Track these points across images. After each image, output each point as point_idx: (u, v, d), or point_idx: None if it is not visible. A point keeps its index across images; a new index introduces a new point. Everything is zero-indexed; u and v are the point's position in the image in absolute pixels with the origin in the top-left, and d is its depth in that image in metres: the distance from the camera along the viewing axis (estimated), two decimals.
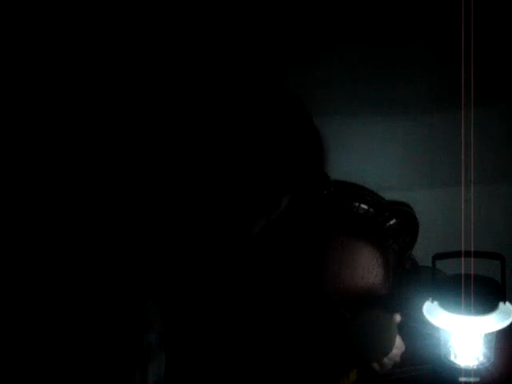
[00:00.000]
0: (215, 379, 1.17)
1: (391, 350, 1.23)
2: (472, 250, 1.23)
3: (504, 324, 1.13)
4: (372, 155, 1.62)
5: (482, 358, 1.20)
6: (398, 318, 1.26)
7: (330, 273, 1.42)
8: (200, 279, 1.19)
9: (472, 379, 1.17)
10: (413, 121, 1.60)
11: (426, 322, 1.20)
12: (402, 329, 1.35)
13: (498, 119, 1.64)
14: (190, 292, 1.19)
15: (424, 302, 1.22)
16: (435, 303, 1.19)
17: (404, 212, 1.60)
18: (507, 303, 1.17)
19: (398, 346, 1.26)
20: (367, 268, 1.46)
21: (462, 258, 1.21)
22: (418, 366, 1.29)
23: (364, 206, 1.55)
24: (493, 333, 1.17)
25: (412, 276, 1.57)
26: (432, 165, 1.64)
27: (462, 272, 1.19)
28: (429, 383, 1.25)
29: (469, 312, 1.12)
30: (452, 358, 1.21)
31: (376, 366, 1.25)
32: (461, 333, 1.18)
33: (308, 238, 1.42)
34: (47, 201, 1.43)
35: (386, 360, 1.25)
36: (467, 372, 1.18)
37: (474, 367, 1.19)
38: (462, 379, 1.17)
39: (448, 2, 1.49)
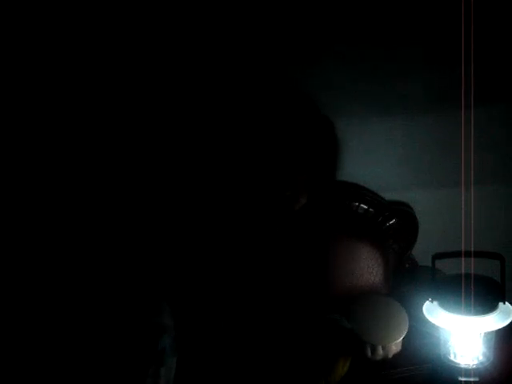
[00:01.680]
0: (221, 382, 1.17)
1: (400, 337, 1.24)
2: (472, 250, 1.23)
3: (503, 324, 1.14)
4: (372, 155, 1.62)
5: (481, 358, 1.20)
6: None
7: (330, 272, 1.42)
8: (210, 282, 1.20)
9: (471, 378, 1.18)
10: (412, 121, 1.60)
11: (425, 322, 1.20)
12: None
13: (498, 119, 1.64)
14: (200, 296, 1.20)
15: (424, 301, 1.22)
16: (435, 303, 1.19)
17: (404, 212, 1.60)
18: (507, 303, 1.17)
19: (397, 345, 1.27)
20: (367, 268, 1.46)
21: (462, 258, 1.21)
22: (417, 366, 1.29)
23: (364, 206, 1.55)
24: (492, 332, 1.17)
25: (412, 276, 1.57)
26: (432, 165, 1.64)
27: (462, 272, 1.19)
28: (429, 382, 1.25)
29: (468, 312, 1.13)
30: (452, 357, 1.21)
31: (380, 350, 1.25)
32: (460, 332, 1.18)
33: (308, 238, 1.42)
34: (56, 202, 1.43)
35: (392, 346, 1.25)
36: (467, 371, 1.18)
37: (474, 366, 1.19)
38: (462, 378, 1.18)
39: (448, 2, 1.49)
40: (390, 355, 1.26)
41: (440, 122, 1.61)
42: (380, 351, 1.24)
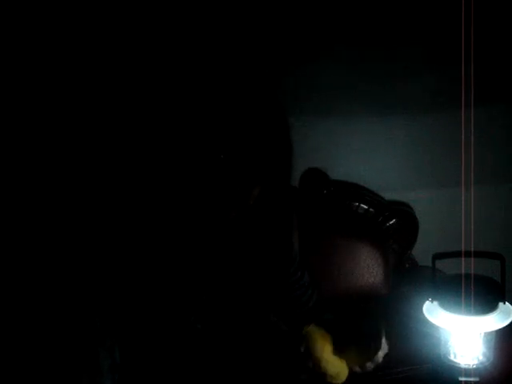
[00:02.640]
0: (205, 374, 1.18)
1: (373, 356, 1.20)
2: (472, 249, 1.23)
3: (503, 324, 1.13)
4: (372, 155, 1.62)
5: (481, 358, 1.20)
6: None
7: (330, 272, 1.42)
8: (178, 271, 1.21)
9: (472, 379, 1.17)
10: (413, 121, 1.61)
11: (425, 322, 1.20)
12: (402, 329, 1.36)
13: (498, 119, 1.64)
14: (184, 290, 1.21)
15: (424, 301, 1.22)
16: (435, 303, 1.19)
17: (404, 212, 1.60)
18: (507, 303, 1.17)
19: (382, 348, 1.24)
20: (367, 268, 1.46)
21: (462, 258, 1.21)
22: (417, 366, 1.28)
23: (364, 206, 1.55)
24: (492, 332, 1.17)
25: (412, 276, 1.57)
26: (432, 165, 1.65)
27: (462, 272, 1.19)
28: (429, 383, 1.24)
29: (468, 312, 1.13)
30: (452, 357, 1.21)
31: (357, 369, 1.23)
32: (461, 332, 1.18)
33: (308, 238, 1.42)
34: (43, 200, 1.44)
35: (368, 364, 1.22)
36: (467, 371, 1.18)
37: (474, 367, 1.19)
38: (462, 379, 1.18)
39: (448, 2, 1.49)
40: (370, 370, 1.24)
41: (440, 122, 1.61)
42: (357, 369, 1.22)
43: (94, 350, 1.08)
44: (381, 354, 1.22)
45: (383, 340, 1.21)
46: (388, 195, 1.62)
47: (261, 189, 1.21)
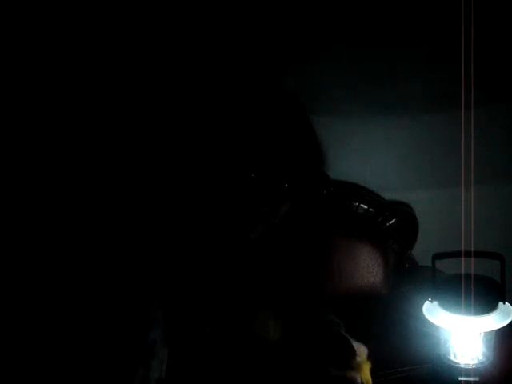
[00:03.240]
0: (214, 377, 1.18)
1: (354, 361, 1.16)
2: (472, 250, 1.23)
3: (503, 324, 1.13)
4: (372, 155, 1.62)
5: (481, 358, 1.20)
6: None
7: (330, 272, 1.42)
8: (201, 281, 1.20)
9: (471, 378, 1.17)
10: (413, 121, 1.61)
11: (425, 322, 1.20)
12: (402, 329, 1.36)
13: (498, 119, 1.64)
14: (191, 292, 1.20)
15: (424, 301, 1.22)
16: (435, 303, 1.19)
17: (404, 212, 1.60)
18: (507, 303, 1.17)
19: (362, 353, 1.18)
20: (367, 268, 1.46)
21: (462, 258, 1.21)
22: (417, 366, 1.29)
23: (364, 206, 1.55)
24: (492, 332, 1.17)
25: (412, 276, 1.57)
26: (432, 165, 1.65)
27: (462, 272, 1.19)
28: (429, 382, 1.24)
29: (468, 312, 1.13)
30: (452, 357, 1.21)
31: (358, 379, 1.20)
32: (460, 332, 1.18)
33: (308, 238, 1.42)
34: (52, 202, 1.44)
35: (352, 373, 1.16)
36: (467, 371, 1.18)
37: (474, 366, 1.19)
38: (462, 378, 1.18)
39: (448, 1, 1.49)
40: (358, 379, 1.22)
41: (440, 121, 1.61)
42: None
43: (148, 363, 1.08)
44: (363, 356, 1.19)
45: (354, 344, 1.17)
46: (388, 195, 1.62)
47: (289, 206, 1.20)
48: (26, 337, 1.21)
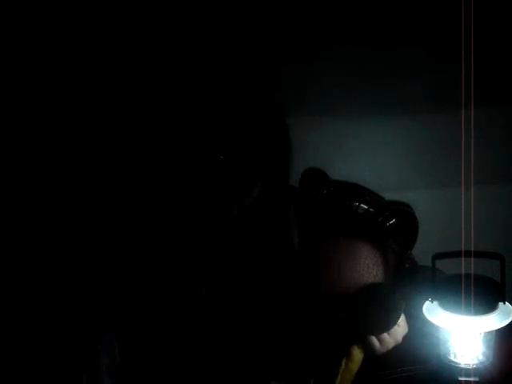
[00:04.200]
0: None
1: (391, 327, 1.24)
2: (472, 249, 1.23)
3: (503, 324, 1.13)
4: (372, 155, 1.62)
5: (481, 358, 1.20)
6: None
7: (330, 272, 1.42)
8: (180, 267, 1.22)
9: (471, 378, 1.17)
10: (413, 121, 1.61)
11: (425, 322, 1.20)
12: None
13: (498, 119, 1.64)
14: (181, 287, 1.21)
15: (424, 301, 1.22)
16: (435, 303, 1.19)
17: (404, 212, 1.60)
18: (507, 303, 1.17)
19: (401, 325, 1.27)
20: (367, 268, 1.46)
21: (462, 258, 1.21)
22: (417, 366, 1.29)
23: (364, 206, 1.55)
24: (492, 332, 1.17)
25: (412, 276, 1.57)
26: (432, 165, 1.65)
27: (462, 272, 1.19)
28: (429, 383, 1.24)
29: (468, 312, 1.13)
30: (452, 357, 1.21)
31: (376, 342, 1.25)
32: (460, 332, 1.18)
33: (308, 238, 1.42)
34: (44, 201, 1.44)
35: (386, 337, 1.25)
36: (467, 371, 1.18)
37: (474, 366, 1.19)
38: (462, 378, 1.18)
39: (448, 1, 1.49)
40: (389, 347, 1.26)
41: (440, 121, 1.61)
42: (376, 343, 1.25)
43: (93, 347, 1.09)
44: (401, 331, 1.24)
45: (402, 315, 1.25)
46: (388, 195, 1.61)
47: (260, 187, 1.22)
48: None
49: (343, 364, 1.23)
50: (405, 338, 1.29)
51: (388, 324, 1.25)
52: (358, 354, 1.25)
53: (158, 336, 1.19)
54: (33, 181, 1.46)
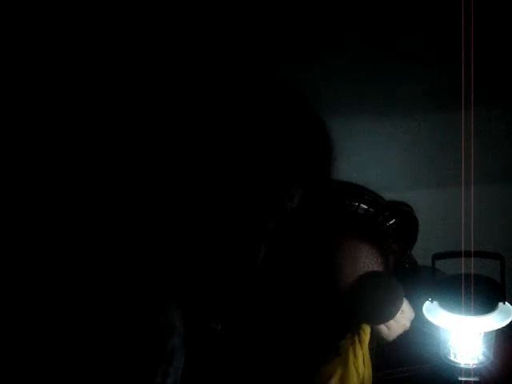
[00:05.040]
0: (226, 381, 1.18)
1: (394, 315, 1.24)
2: (472, 250, 1.23)
3: (503, 324, 1.14)
4: (372, 155, 1.62)
5: (481, 358, 1.20)
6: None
7: (329, 272, 1.42)
8: (214, 279, 1.20)
9: (471, 378, 1.18)
10: (412, 121, 1.60)
11: (425, 322, 1.20)
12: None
13: (498, 119, 1.64)
14: (205, 292, 1.20)
15: (424, 301, 1.22)
16: (435, 303, 1.19)
17: (404, 212, 1.60)
18: (507, 303, 1.17)
19: (406, 311, 1.27)
20: (367, 268, 1.46)
21: (462, 258, 1.22)
22: (417, 366, 1.29)
23: (364, 206, 1.55)
24: (492, 332, 1.18)
25: (412, 276, 1.57)
26: (432, 165, 1.64)
27: (462, 272, 1.19)
28: (429, 382, 1.25)
29: (468, 312, 1.13)
30: (452, 357, 1.21)
31: (385, 329, 1.25)
32: (460, 332, 1.19)
33: (308, 238, 1.42)
34: (58, 202, 1.43)
35: (393, 324, 1.25)
36: (467, 371, 1.18)
37: (474, 366, 1.19)
38: (462, 378, 1.18)
39: (448, 1, 1.49)
40: (398, 331, 1.26)
41: (440, 122, 1.61)
42: (385, 330, 1.24)
43: (166, 371, 1.08)
44: (407, 316, 1.24)
45: (405, 301, 1.24)
46: (388, 195, 1.61)
47: (299, 199, 1.20)
48: (33, 343, 1.19)
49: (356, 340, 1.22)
50: (406, 335, 1.29)
51: (390, 313, 1.24)
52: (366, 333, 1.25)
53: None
54: (34, 181, 1.46)
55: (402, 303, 1.25)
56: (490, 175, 1.64)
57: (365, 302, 1.26)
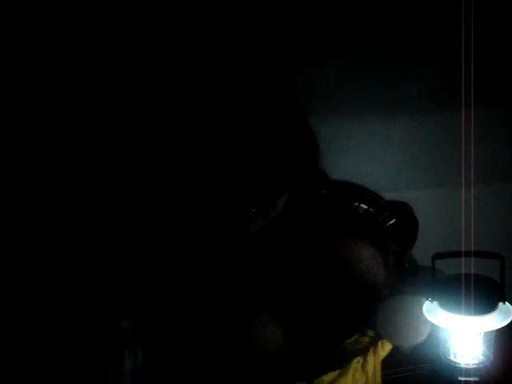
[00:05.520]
0: (195, 370, 1.18)
1: (420, 339, 1.26)
2: (472, 250, 1.23)
3: (503, 324, 1.14)
4: (372, 155, 1.62)
5: (481, 357, 1.20)
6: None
7: (329, 273, 1.42)
8: (197, 276, 1.20)
9: (471, 378, 1.18)
10: (413, 121, 1.60)
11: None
12: None
13: (498, 119, 1.64)
14: (185, 287, 1.20)
15: (424, 301, 1.22)
16: (435, 303, 1.19)
17: (404, 212, 1.60)
18: (507, 303, 1.17)
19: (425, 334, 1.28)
20: (367, 268, 1.46)
21: (462, 258, 1.22)
22: (417, 366, 1.29)
23: (364, 206, 1.55)
24: (492, 332, 1.18)
25: (412, 276, 1.58)
26: (432, 165, 1.64)
27: (462, 272, 1.19)
28: (429, 383, 1.25)
29: (468, 312, 1.13)
30: (452, 357, 1.21)
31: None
32: (460, 332, 1.18)
33: (308, 238, 1.42)
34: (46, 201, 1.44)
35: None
36: (467, 371, 1.18)
37: (474, 366, 1.19)
38: (462, 378, 1.18)
39: (448, 1, 1.49)
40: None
41: (440, 121, 1.61)
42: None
43: (120, 352, 1.08)
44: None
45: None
46: (388, 195, 1.62)
47: (286, 199, 1.20)
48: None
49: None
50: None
51: (417, 336, 1.26)
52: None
53: (183, 342, 1.18)
54: (36, 181, 1.46)
55: (427, 330, 1.26)
56: (489, 175, 1.64)
57: (389, 323, 1.26)
